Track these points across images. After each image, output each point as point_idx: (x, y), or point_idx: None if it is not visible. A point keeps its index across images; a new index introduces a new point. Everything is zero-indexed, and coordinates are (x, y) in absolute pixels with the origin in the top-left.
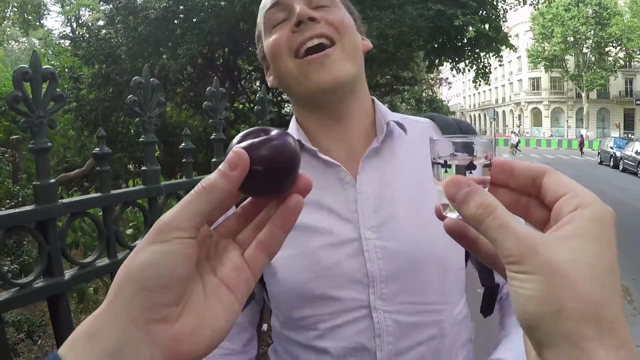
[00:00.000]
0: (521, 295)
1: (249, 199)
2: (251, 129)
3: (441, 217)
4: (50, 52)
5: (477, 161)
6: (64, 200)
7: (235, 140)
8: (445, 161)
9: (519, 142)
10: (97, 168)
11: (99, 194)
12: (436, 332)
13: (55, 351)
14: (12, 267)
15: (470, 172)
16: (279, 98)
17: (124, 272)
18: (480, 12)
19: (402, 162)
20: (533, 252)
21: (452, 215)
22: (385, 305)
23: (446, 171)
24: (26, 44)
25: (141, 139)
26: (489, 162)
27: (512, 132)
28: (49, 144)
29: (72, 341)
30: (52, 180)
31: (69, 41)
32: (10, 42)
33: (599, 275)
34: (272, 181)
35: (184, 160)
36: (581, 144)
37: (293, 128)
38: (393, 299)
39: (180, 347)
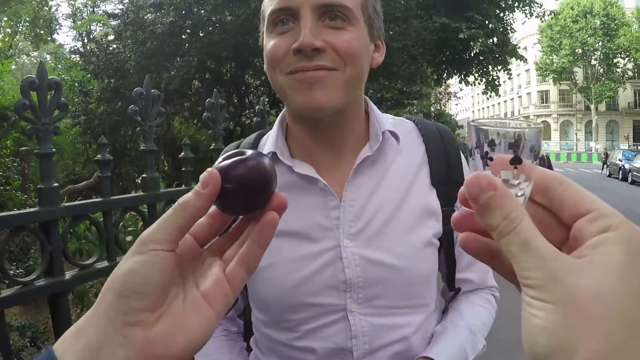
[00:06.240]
0: (534, 324)
1: (240, 218)
2: (230, 152)
3: (460, 229)
4: (60, 66)
5: (524, 155)
6: (66, 204)
7: (216, 162)
8: (487, 152)
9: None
10: (99, 174)
11: (99, 199)
12: (408, 332)
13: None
14: (18, 271)
15: (515, 168)
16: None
17: (109, 280)
18: (487, 24)
19: (391, 172)
20: (554, 279)
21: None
22: (361, 308)
23: (487, 164)
24: (37, 58)
25: (142, 147)
26: (536, 160)
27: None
28: (53, 149)
29: (63, 338)
30: (55, 184)
31: (80, 56)
32: (21, 56)
33: (626, 313)
34: (247, 199)
35: (183, 169)
36: None
37: (273, 135)
38: (368, 303)
39: (153, 350)
